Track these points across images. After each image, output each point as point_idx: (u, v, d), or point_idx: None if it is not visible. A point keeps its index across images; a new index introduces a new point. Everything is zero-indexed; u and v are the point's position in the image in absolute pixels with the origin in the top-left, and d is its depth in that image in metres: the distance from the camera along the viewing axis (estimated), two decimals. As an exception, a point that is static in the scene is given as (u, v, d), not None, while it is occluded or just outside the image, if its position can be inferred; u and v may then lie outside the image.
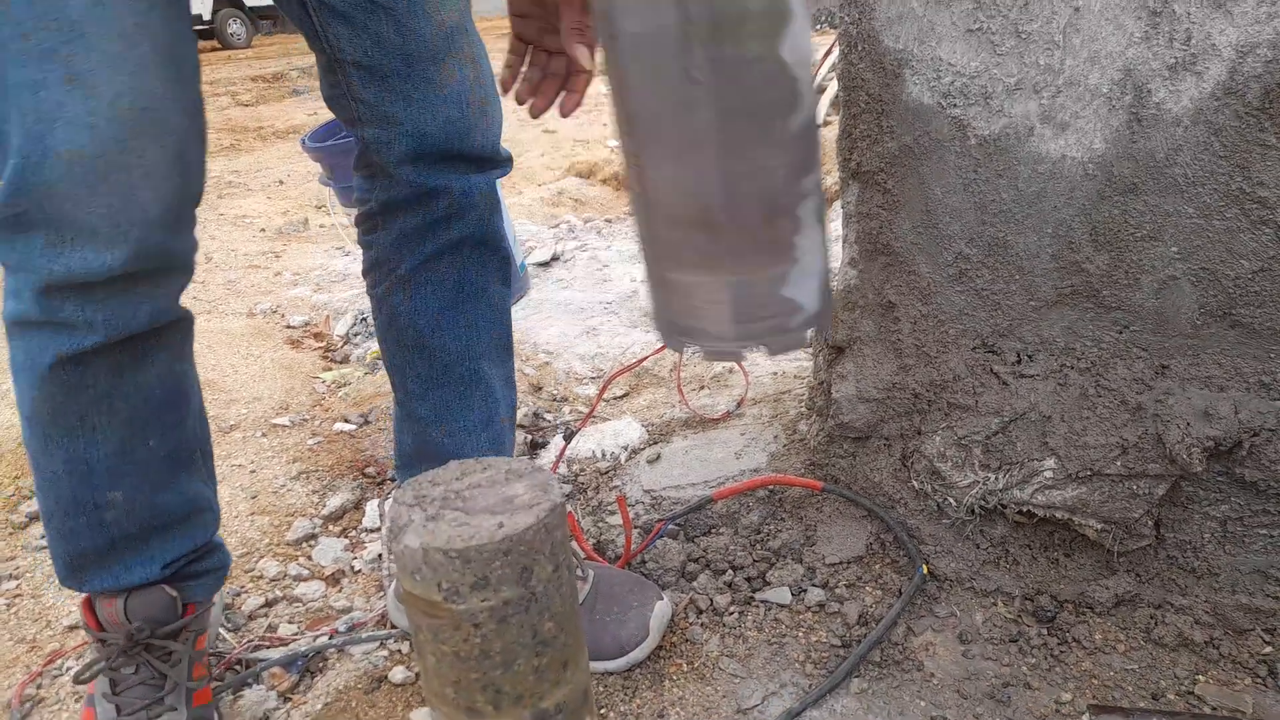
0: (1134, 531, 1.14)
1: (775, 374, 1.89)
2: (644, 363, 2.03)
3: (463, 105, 1.11)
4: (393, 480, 1.65)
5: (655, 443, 1.67)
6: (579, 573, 1.21)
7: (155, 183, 0.87)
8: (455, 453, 1.21)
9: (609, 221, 3.52)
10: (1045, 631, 1.13)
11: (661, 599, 1.19)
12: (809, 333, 0.60)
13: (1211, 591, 1.12)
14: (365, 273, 1.24)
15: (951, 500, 1.23)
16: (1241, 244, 1.09)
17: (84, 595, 1.08)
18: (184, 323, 1.03)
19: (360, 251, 1.23)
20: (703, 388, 1.93)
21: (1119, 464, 1.12)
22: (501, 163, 1.22)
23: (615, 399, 1.99)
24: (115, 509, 1.01)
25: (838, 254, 1.42)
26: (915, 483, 1.27)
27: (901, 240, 1.25)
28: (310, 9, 1.04)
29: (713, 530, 1.39)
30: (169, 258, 0.93)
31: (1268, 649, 1.06)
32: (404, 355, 1.22)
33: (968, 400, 1.23)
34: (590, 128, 6.53)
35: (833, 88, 3.92)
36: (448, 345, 1.20)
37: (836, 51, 1.26)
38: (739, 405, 1.70)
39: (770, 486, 1.40)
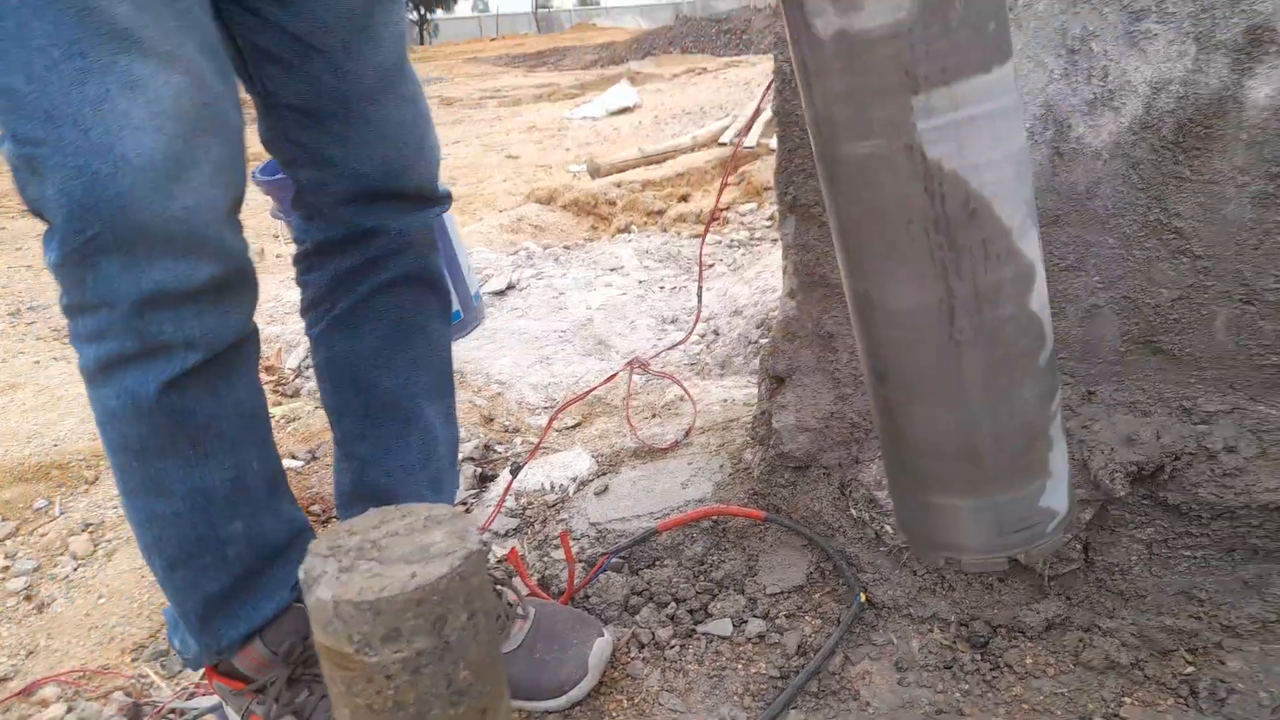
0: (1063, 555, 1.16)
1: (724, 401, 1.90)
2: (595, 392, 2.03)
3: (400, 145, 1.11)
4: (336, 519, 1.63)
5: (604, 473, 1.67)
6: (520, 611, 1.21)
7: (223, 179, 0.87)
8: (394, 492, 1.20)
9: (568, 248, 3.53)
10: (979, 657, 1.14)
11: (602, 635, 1.19)
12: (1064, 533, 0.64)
13: (1138, 613, 1.14)
14: (303, 312, 1.23)
15: (888, 528, 1.24)
16: (1160, 273, 1.12)
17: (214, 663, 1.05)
18: (256, 334, 1.01)
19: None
20: (654, 416, 1.93)
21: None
22: (439, 200, 1.21)
23: (567, 429, 1.99)
24: (237, 542, 0.97)
25: (778, 285, 1.44)
26: (854, 511, 1.28)
27: (838, 271, 1.27)
28: (244, 53, 1.04)
29: (657, 562, 1.39)
30: (243, 261, 0.92)
31: (1190, 669, 1.07)
32: (342, 395, 1.21)
33: (903, 428, 1.25)
34: (553, 152, 6.57)
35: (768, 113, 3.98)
36: (385, 384, 1.19)
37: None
38: (687, 434, 1.71)
39: (714, 517, 1.40)
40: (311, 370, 2.50)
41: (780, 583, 1.30)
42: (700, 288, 1.61)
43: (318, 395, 2.32)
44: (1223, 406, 1.13)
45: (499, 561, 1.42)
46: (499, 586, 1.22)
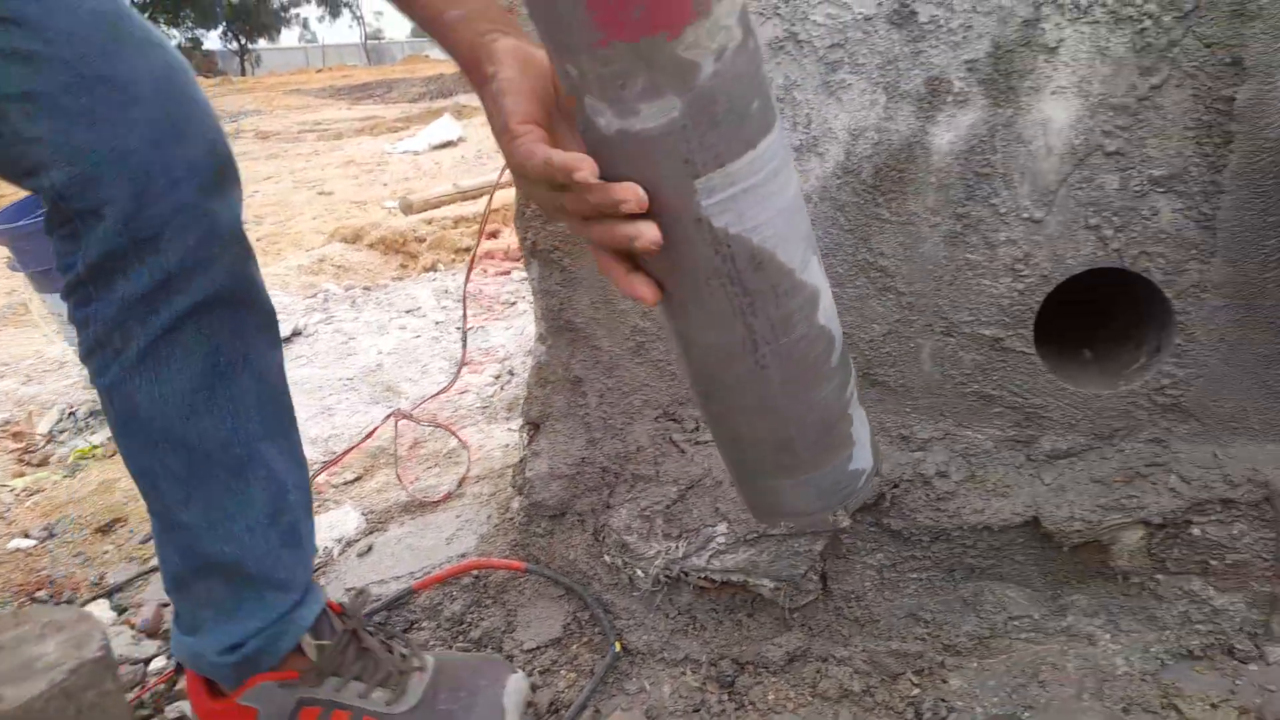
0: (801, 587, 1.18)
1: (507, 446, 1.86)
2: (378, 443, 1.95)
3: (161, 99, 0.88)
4: (68, 604, 1.47)
5: (372, 532, 1.59)
6: (416, 663, 1.10)
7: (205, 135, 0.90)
8: (241, 561, 1.01)
9: (368, 289, 3.41)
10: (726, 696, 1.15)
11: (515, 673, 1.11)
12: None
13: (869, 639, 1.18)
14: (84, 357, 0.97)
15: (640, 572, 1.23)
16: (871, 309, 1.17)
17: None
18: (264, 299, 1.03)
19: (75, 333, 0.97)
20: (435, 466, 1.87)
21: (781, 524, 1.16)
22: (233, 174, 0.97)
23: (345, 484, 1.89)
24: (293, 511, 1.04)
25: (531, 330, 1.42)
26: (607, 557, 1.27)
27: (582, 315, 1.26)
28: None
29: (414, 625, 1.32)
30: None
31: (915, 690, 1.12)
32: (152, 455, 0.98)
33: (649, 470, 1.25)
34: (370, 188, 6.37)
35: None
36: (208, 432, 0.98)
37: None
38: (460, 484, 1.66)
39: (475, 571, 1.35)
40: (64, 434, 2.28)
41: (537, 636, 1.26)
42: (464, 333, 1.57)
43: (69, 462, 2.12)
44: (935, 434, 1.19)
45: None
46: (389, 641, 1.12)
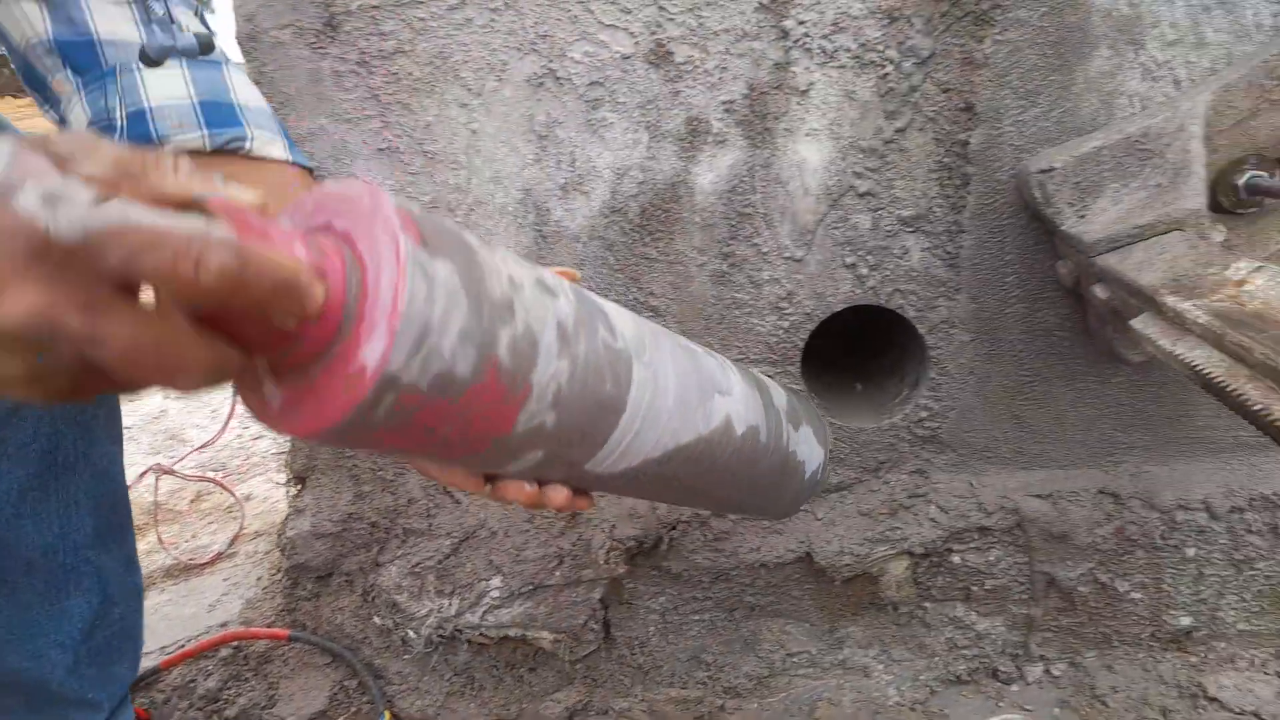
0: (582, 638, 1.14)
1: (295, 496, 1.73)
2: (152, 497, 1.77)
3: None
4: None
5: (129, 599, 1.43)
6: None
7: None
8: (46, 680, 0.87)
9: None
10: (501, 762, 1.09)
11: None
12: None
13: (651, 687, 1.15)
14: None
15: (412, 633, 1.15)
16: (646, 349, 1.15)
17: None
18: None
19: None
20: (214, 522, 1.72)
21: (558, 574, 1.12)
22: None
23: (110, 545, 1.71)
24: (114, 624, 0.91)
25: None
26: (377, 619, 1.18)
27: (349, 359, 1.18)
28: None
29: (165, 704, 1.19)
30: None
31: (697, 740, 1.09)
32: None
33: (421, 524, 1.18)
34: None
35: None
36: (29, 540, 0.85)
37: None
38: (233, 543, 1.52)
39: (233, 643, 1.23)
40: None
41: (300, 710, 1.16)
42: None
43: None
44: (714, 472, 1.18)
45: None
46: None
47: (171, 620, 1.33)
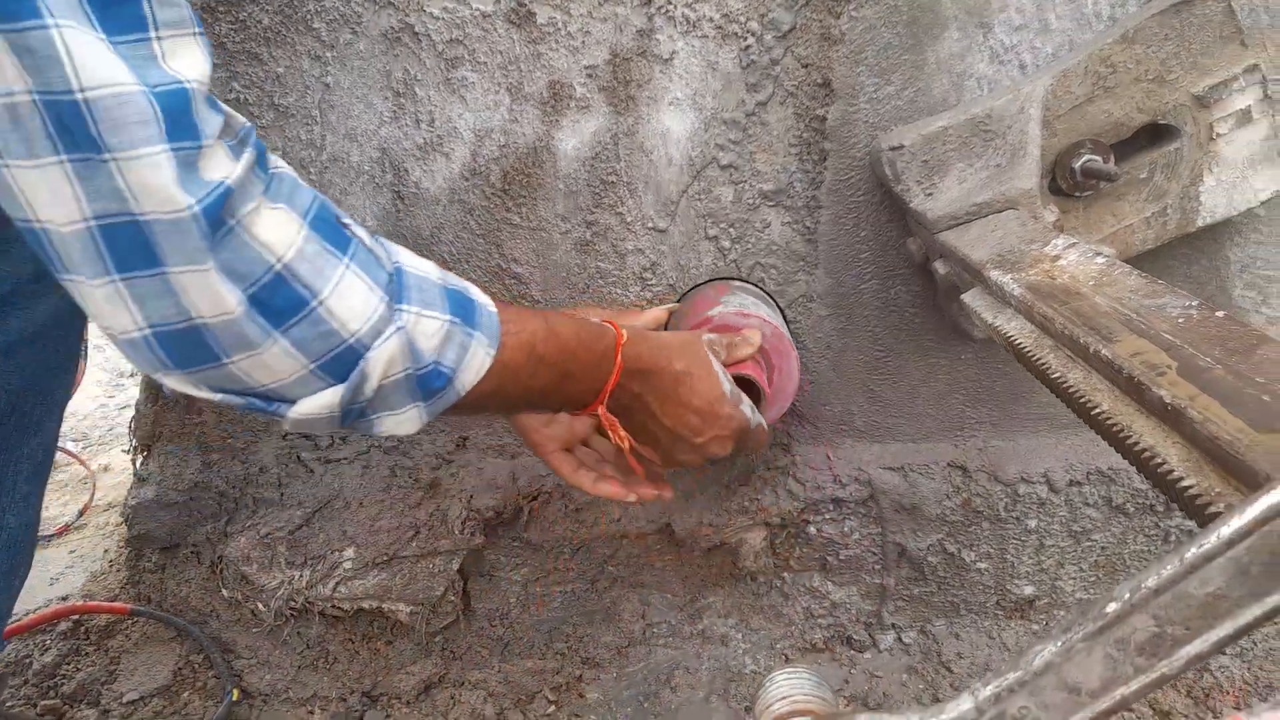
0: (439, 610, 1.12)
1: (159, 467, 1.66)
2: None
3: None
4: None
5: (-34, 573, 1.35)
6: None
7: None
8: None
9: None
10: (349, 736, 1.06)
11: None
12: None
13: (509, 659, 1.15)
14: None
15: (261, 605, 1.12)
16: (509, 318, 1.13)
17: None
18: None
19: None
20: (66, 494, 1.63)
21: (414, 545, 1.10)
22: None
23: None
24: None
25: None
26: (226, 591, 1.14)
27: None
28: None
29: (-4, 682, 1.13)
30: None
31: (551, 708, 1.09)
32: None
33: (273, 494, 1.14)
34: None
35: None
36: None
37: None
38: (82, 515, 1.45)
39: (73, 616, 1.18)
40: None
41: (141, 686, 1.11)
42: (85, 343, 1.38)
43: None
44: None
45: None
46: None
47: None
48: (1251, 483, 0.40)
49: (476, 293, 0.67)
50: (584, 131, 1.06)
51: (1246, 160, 0.97)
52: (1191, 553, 0.34)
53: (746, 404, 0.85)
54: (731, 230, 1.08)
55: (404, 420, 0.62)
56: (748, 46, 1.02)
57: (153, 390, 1.17)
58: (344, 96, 1.05)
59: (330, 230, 0.57)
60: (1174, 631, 0.33)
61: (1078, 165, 0.93)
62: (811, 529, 1.16)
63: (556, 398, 0.74)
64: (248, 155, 0.53)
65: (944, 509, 1.14)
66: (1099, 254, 0.66)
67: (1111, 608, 0.34)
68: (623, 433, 0.80)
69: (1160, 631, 0.33)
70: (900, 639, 1.20)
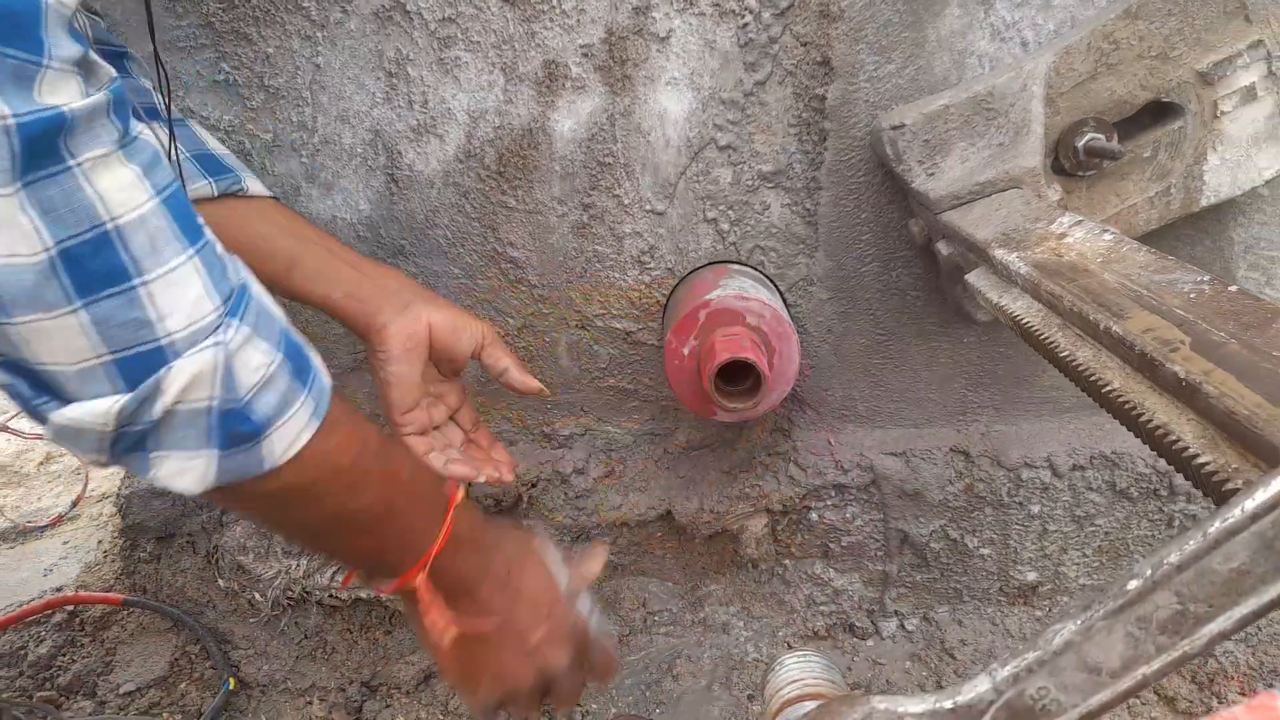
0: (436, 600, 1.11)
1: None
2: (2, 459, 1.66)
3: None
4: None
5: (-41, 566, 1.34)
6: None
7: None
8: None
9: None
10: (349, 726, 1.05)
11: None
12: None
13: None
14: None
15: (258, 595, 1.11)
16: (506, 302, 1.12)
17: None
18: None
19: None
20: (61, 483, 1.62)
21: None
22: None
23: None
24: None
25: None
26: (222, 581, 1.13)
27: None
28: None
29: (-12, 675, 1.12)
30: None
31: (550, 699, 1.08)
32: None
33: (268, 482, 1.12)
34: None
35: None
36: None
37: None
38: (75, 505, 1.44)
39: (68, 608, 1.16)
40: None
41: (138, 677, 1.10)
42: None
43: None
44: (576, 430, 1.16)
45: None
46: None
47: (2, 586, 1.25)
48: (1272, 457, 0.39)
49: (318, 360, 0.57)
50: (580, 112, 1.04)
51: (1251, 138, 0.95)
52: (1215, 527, 0.32)
53: (585, 603, 0.73)
54: (730, 212, 1.07)
55: (188, 469, 0.49)
56: (745, 24, 1.00)
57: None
58: (335, 77, 1.03)
59: (184, 215, 0.49)
60: (1197, 609, 0.32)
61: (1081, 144, 0.91)
62: (813, 515, 1.15)
63: (371, 539, 0.60)
64: (100, 96, 0.45)
65: (946, 494, 1.13)
66: (1106, 230, 0.65)
67: (1133, 585, 0.32)
68: (446, 614, 0.65)
69: (1183, 609, 0.32)
70: (903, 626, 1.19)
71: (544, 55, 1.02)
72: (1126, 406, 0.49)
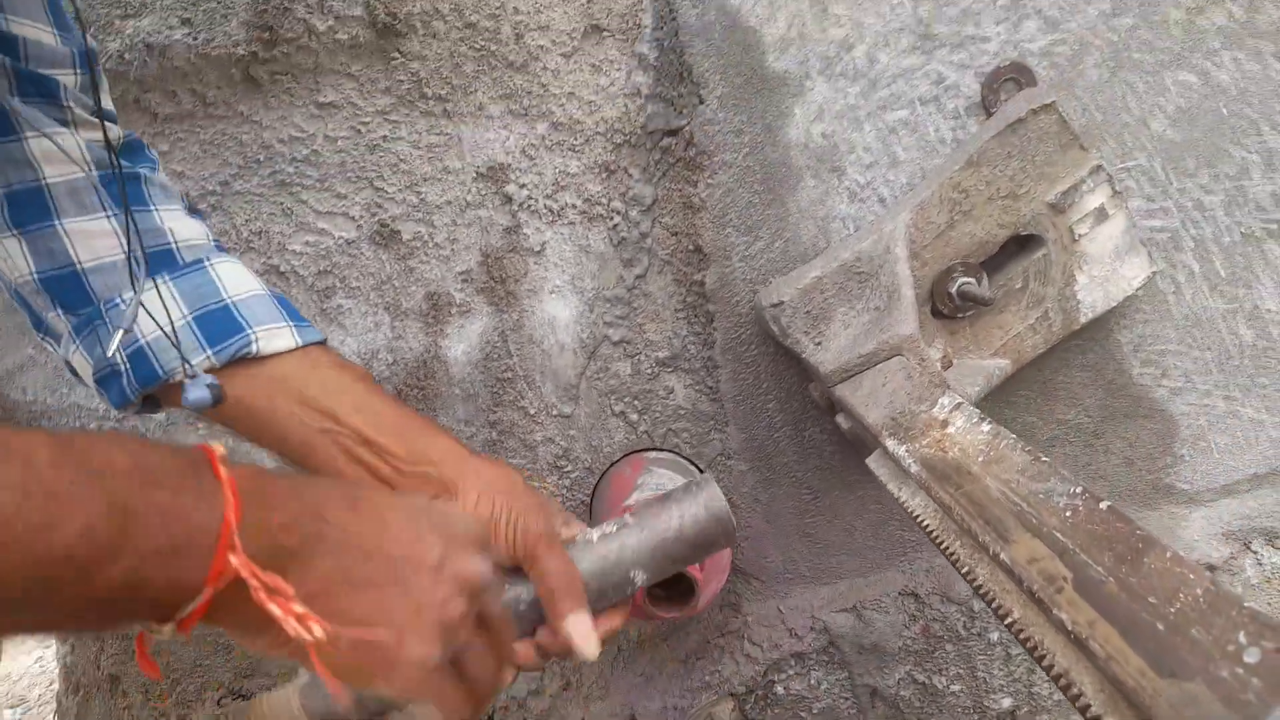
0: None
1: None
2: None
3: None
4: None
5: None
6: None
7: None
8: None
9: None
10: None
11: None
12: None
13: None
14: None
15: None
16: (428, 531, 1.09)
17: None
18: None
19: None
20: None
21: None
22: None
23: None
24: None
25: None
26: None
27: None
28: None
29: None
30: None
31: None
32: None
33: None
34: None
35: None
36: None
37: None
38: None
39: None
40: None
41: None
42: None
43: None
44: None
45: None
46: None
47: None
48: (1168, 729, 0.38)
49: None
50: (470, 335, 1.04)
51: (1113, 253, 0.99)
52: None
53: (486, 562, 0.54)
54: (636, 402, 1.07)
55: None
56: (615, 225, 1.02)
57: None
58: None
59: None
60: None
61: (954, 290, 0.94)
62: (779, 689, 1.11)
63: (125, 561, 0.38)
64: None
65: (905, 640, 1.11)
66: (984, 420, 0.66)
67: None
68: (289, 590, 0.43)
69: None
70: (893, 779, 1.15)
71: (425, 288, 1.03)
72: (1030, 645, 0.48)
